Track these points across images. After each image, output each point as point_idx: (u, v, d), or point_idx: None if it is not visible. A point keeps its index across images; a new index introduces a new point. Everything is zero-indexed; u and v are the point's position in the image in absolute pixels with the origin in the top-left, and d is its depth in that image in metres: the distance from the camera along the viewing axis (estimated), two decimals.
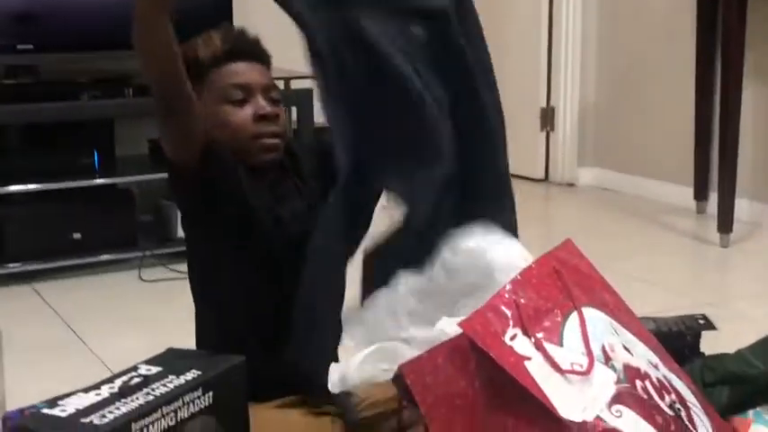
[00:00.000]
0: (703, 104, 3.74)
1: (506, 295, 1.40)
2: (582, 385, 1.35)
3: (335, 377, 1.53)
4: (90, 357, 2.47)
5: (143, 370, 1.40)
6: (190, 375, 1.38)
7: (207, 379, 1.39)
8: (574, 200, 4.37)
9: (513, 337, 1.36)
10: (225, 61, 1.75)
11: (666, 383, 1.45)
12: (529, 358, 1.35)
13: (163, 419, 1.31)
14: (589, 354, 1.39)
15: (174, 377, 1.37)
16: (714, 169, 3.66)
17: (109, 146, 3.43)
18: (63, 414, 1.26)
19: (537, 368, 1.34)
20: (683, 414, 1.41)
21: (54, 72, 3.36)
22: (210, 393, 1.39)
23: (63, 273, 3.20)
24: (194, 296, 1.81)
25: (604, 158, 4.48)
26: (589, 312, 1.46)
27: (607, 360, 1.42)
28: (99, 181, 3.26)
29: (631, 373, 1.43)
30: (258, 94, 1.75)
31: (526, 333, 1.37)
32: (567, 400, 1.33)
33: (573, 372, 1.35)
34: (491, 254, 1.59)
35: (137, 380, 1.35)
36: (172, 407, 1.32)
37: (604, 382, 1.37)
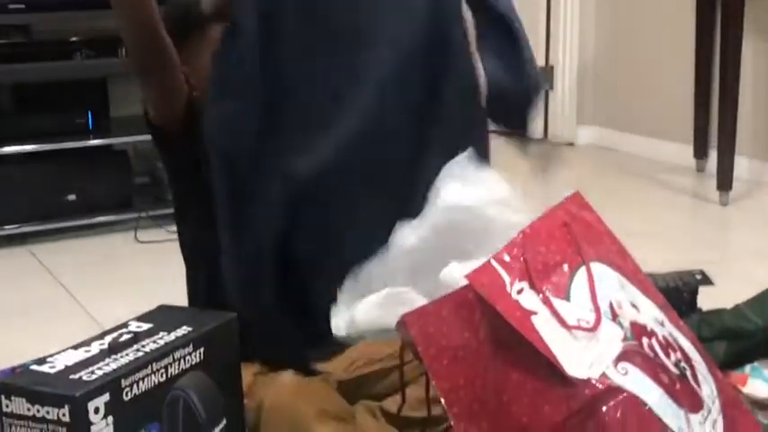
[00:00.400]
0: (703, 63, 3.71)
1: (515, 248, 1.37)
2: (588, 342, 1.33)
3: (341, 322, 1.50)
4: (86, 318, 2.46)
5: (133, 327, 1.38)
6: (181, 332, 1.36)
7: (198, 335, 1.37)
8: (573, 158, 4.34)
9: (519, 291, 1.34)
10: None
11: (672, 341, 1.43)
12: (535, 313, 1.32)
13: (153, 375, 1.29)
14: (596, 310, 1.36)
15: (164, 333, 1.36)
16: (713, 127, 3.63)
17: (103, 106, 3.40)
18: (52, 371, 1.25)
19: (543, 323, 1.32)
20: (688, 373, 1.40)
21: (46, 31, 3.32)
22: (202, 349, 1.37)
23: (59, 234, 3.18)
24: (184, 255, 1.79)
25: (603, 117, 4.45)
26: (597, 267, 1.43)
27: (614, 317, 1.39)
28: (94, 142, 3.25)
29: (638, 331, 1.41)
30: None
31: (533, 287, 1.34)
32: (573, 357, 1.31)
33: (579, 328, 1.33)
34: (489, 213, 1.55)
35: (127, 336, 1.33)
36: (162, 363, 1.31)
37: (611, 339, 1.35)
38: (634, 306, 1.42)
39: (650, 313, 1.45)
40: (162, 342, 1.33)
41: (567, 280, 1.39)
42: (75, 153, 3.22)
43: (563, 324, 1.32)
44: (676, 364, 1.39)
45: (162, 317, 1.42)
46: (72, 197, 3.21)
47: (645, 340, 1.39)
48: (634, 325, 1.40)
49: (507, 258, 1.37)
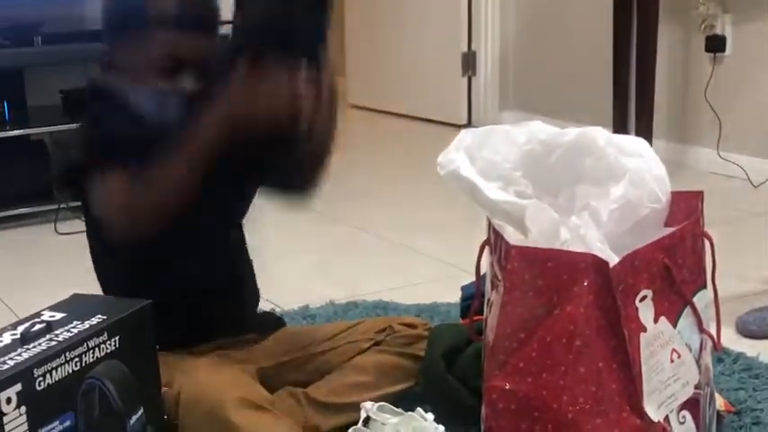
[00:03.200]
0: (621, 49, 3.76)
1: (657, 253, 1.33)
2: (668, 378, 1.33)
3: (455, 161, 1.41)
4: (6, 313, 2.42)
5: (46, 316, 1.37)
6: (95, 320, 1.36)
7: (112, 323, 1.36)
8: None
9: (642, 299, 1.31)
10: None
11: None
12: (645, 330, 1.31)
13: (67, 365, 1.28)
14: (689, 346, 1.36)
15: (78, 322, 1.35)
16: (632, 111, 3.70)
17: (19, 96, 3.34)
18: None
19: (646, 344, 1.30)
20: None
21: None
22: (117, 338, 1.36)
23: None
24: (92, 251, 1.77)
25: (526, 102, 4.50)
26: (702, 297, 1.42)
27: (699, 356, 1.39)
28: (11, 132, 3.18)
29: (706, 377, 1.42)
30: None
31: (654, 299, 1.33)
32: (654, 391, 1.30)
33: (671, 360, 1.33)
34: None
35: (39, 326, 1.32)
36: (75, 352, 1.30)
37: (688, 381, 1.36)
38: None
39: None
40: (75, 331, 1.33)
41: (681, 305, 1.37)
42: None
43: (662, 348, 1.32)
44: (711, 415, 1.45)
45: (75, 306, 1.41)
46: None
47: (707, 388, 1.41)
48: (706, 370, 1.42)
49: (649, 259, 1.32)
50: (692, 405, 1.37)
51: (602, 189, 1.40)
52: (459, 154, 1.41)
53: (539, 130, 1.48)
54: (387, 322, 1.85)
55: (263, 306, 1.97)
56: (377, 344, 1.80)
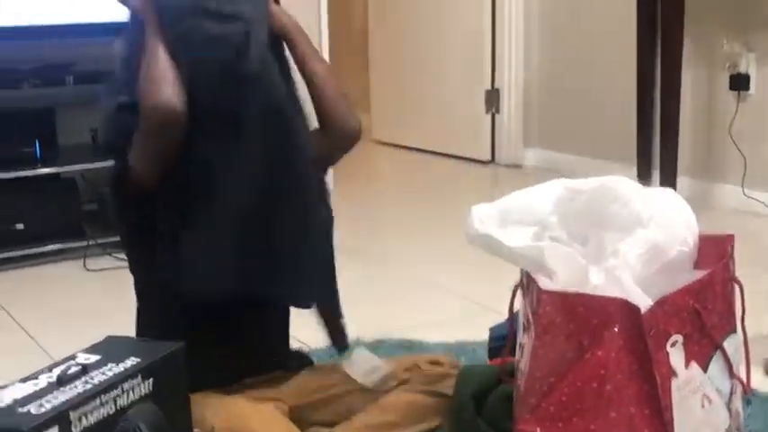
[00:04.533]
0: (645, 86, 3.78)
1: (687, 298, 1.34)
2: (699, 424, 1.33)
3: (482, 218, 1.44)
4: (35, 349, 2.44)
5: (81, 359, 1.39)
6: (129, 363, 1.38)
7: (146, 366, 1.38)
8: (520, 181, 4.38)
9: (673, 344, 1.32)
10: None
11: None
12: (676, 375, 1.31)
13: (102, 408, 1.30)
14: (720, 391, 1.37)
15: (113, 365, 1.37)
16: (656, 148, 3.71)
17: (51, 135, 3.38)
18: (0, 404, 1.25)
19: (677, 389, 1.31)
20: None
21: None
22: (150, 380, 1.38)
23: (6, 264, 3.16)
24: (137, 288, 1.79)
25: (549, 140, 4.51)
26: (732, 341, 1.42)
27: (730, 401, 1.40)
28: (42, 170, 3.22)
29: (736, 422, 1.42)
30: None
31: (685, 344, 1.33)
32: None
33: (702, 406, 1.33)
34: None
35: (75, 368, 1.34)
36: (111, 395, 1.32)
37: (718, 427, 1.36)
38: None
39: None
40: (110, 373, 1.34)
41: (712, 349, 1.37)
42: (23, 182, 3.19)
43: (693, 394, 1.32)
44: None
45: (110, 348, 1.43)
46: (20, 226, 3.19)
47: None
48: (737, 415, 1.41)
49: (680, 302, 1.33)
50: None
51: (629, 234, 1.41)
52: (481, 213, 1.43)
53: (561, 182, 1.51)
54: (413, 361, 1.86)
55: (291, 344, 1.98)
56: (403, 382, 1.81)
